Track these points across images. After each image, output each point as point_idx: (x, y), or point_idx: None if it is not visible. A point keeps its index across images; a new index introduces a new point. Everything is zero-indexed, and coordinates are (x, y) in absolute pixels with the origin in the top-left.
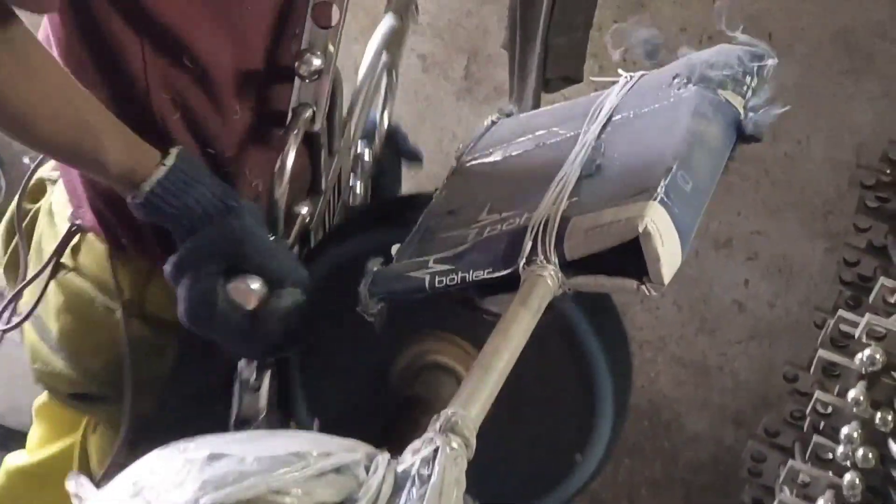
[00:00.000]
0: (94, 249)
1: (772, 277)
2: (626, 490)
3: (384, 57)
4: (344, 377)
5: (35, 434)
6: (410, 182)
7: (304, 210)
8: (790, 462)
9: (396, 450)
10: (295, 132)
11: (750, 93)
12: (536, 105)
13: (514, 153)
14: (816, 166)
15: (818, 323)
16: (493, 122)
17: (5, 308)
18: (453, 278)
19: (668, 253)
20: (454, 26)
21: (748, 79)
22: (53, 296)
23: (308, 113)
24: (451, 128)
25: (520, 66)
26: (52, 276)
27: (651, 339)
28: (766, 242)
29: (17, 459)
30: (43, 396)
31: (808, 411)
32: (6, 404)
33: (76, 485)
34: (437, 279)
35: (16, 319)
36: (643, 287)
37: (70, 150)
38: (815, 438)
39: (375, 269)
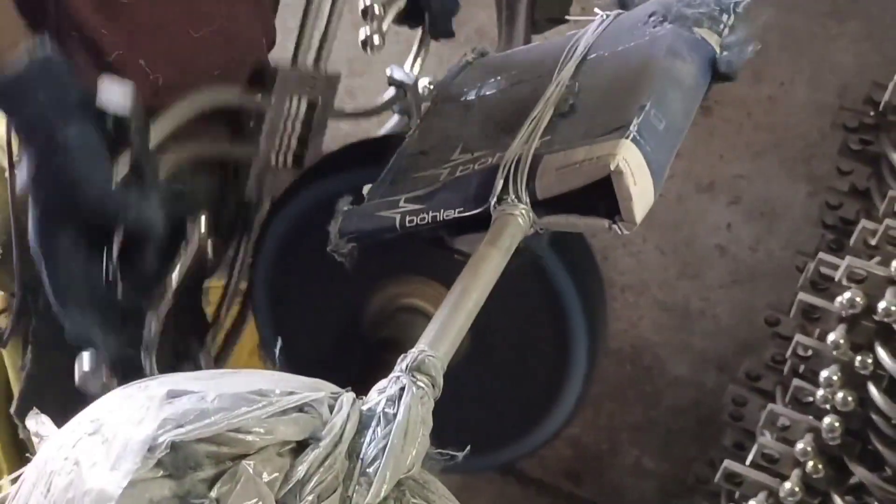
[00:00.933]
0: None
1: (754, 221)
2: (607, 434)
3: None
4: (316, 321)
5: None
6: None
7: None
8: (770, 405)
9: (366, 391)
10: None
11: (726, 31)
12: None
13: (487, 93)
14: (799, 109)
15: (800, 267)
16: (468, 63)
17: None
18: (424, 217)
19: (641, 191)
20: None
21: (724, 16)
22: None
23: None
24: (432, 70)
25: (507, 7)
26: None
27: (633, 284)
28: (749, 186)
29: None
30: None
31: (788, 355)
32: None
33: (36, 423)
34: (407, 218)
35: None
36: (615, 226)
37: None
38: (795, 382)
39: (346, 208)
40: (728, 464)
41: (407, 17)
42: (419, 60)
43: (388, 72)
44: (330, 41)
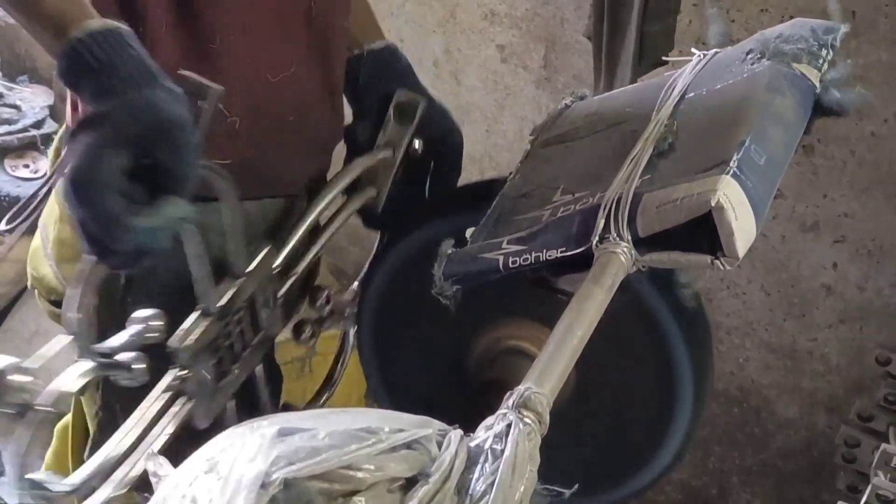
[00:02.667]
0: None
1: (861, 259)
2: (717, 478)
3: None
4: (421, 364)
5: None
6: (494, 172)
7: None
8: (883, 446)
9: (471, 430)
10: None
11: (825, 65)
12: None
13: (586, 135)
14: None
15: None
16: (567, 106)
17: (18, 212)
18: (527, 258)
19: (742, 226)
20: (532, 15)
21: (823, 51)
22: (54, 205)
23: None
24: (531, 117)
25: (608, 54)
26: (55, 184)
27: (739, 325)
28: (854, 224)
29: (65, 419)
30: None
31: None
32: None
33: (154, 464)
34: (510, 259)
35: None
36: (717, 262)
37: None
38: None
39: (449, 251)
40: None
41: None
42: None
43: None
44: None
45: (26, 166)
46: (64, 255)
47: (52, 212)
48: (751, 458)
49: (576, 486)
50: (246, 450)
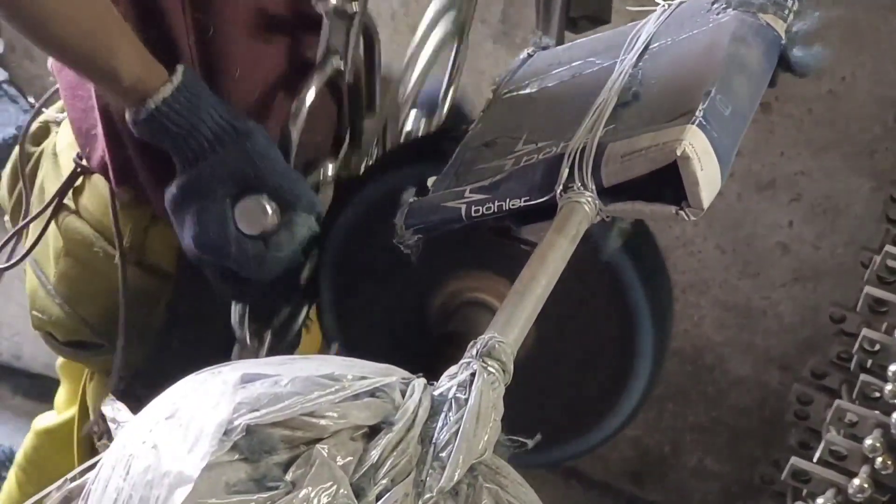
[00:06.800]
0: (97, 192)
1: (816, 218)
2: (670, 435)
3: (451, 15)
4: (381, 316)
5: (61, 394)
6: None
7: (330, 165)
8: (837, 402)
9: (434, 381)
10: (319, 74)
11: (791, 16)
12: (560, 44)
13: (550, 84)
14: (861, 103)
15: (864, 263)
16: (529, 55)
17: (5, 245)
18: (490, 207)
19: (707, 177)
20: None
21: (789, 2)
22: (53, 239)
23: (336, 60)
24: (489, 70)
25: (544, 4)
26: (53, 217)
27: (694, 283)
28: (810, 182)
29: (45, 420)
30: None
31: (854, 350)
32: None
33: (112, 409)
34: (473, 208)
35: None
36: (682, 212)
37: (83, 54)
38: (862, 377)
39: (411, 200)
40: (795, 461)
41: None
42: None
43: None
44: None
45: None
46: (76, 294)
47: (50, 247)
48: (703, 415)
49: (538, 437)
50: (208, 396)
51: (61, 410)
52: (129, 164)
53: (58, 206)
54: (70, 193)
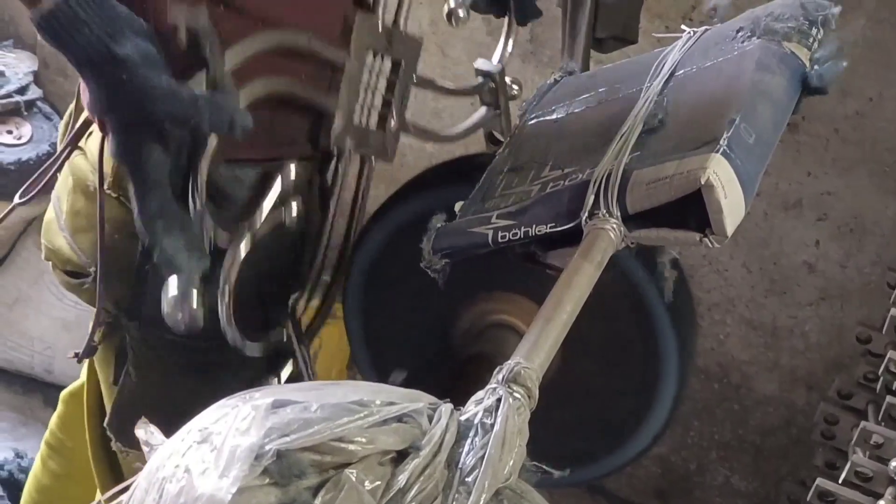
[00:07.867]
0: (96, 133)
1: (843, 237)
2: (696, 453)
3: None
4: (407, 338)
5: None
6: (479, 146)
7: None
8: (863, 423)
9: (460, 403)
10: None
11: (816, 44)
12: (586, 64)
13: (576, 110)
14: (888, 123)
15: (891, 283)
16: (556, 81)
17: (30, 184)
18: (516, 233)
19: (731, 205)
20: None
21: (814, 30)
22: (67, 176)
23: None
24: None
25: (570, 24)
26: (68, 157)
27: (720, 302)
28: (837, 202)
29: (72, 385)
30: None
31: (881, 371)
32: None
33: (145, 432)
34: (499, 234)
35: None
36: (706, 239)
37: None
38: (889, 399)
39: (439, 225)
40: (821, 482)
41: (491, 3)
42: (507, 49)
43: (475, 64)
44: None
45: (9, 132)
46: (78, 226)
47: (66, 183)
48: (729, 433)
49: (567, 471)
50: (239, 421)
51: (83, 375)
52: None
53: (73, 147)
54: (86, 136)
